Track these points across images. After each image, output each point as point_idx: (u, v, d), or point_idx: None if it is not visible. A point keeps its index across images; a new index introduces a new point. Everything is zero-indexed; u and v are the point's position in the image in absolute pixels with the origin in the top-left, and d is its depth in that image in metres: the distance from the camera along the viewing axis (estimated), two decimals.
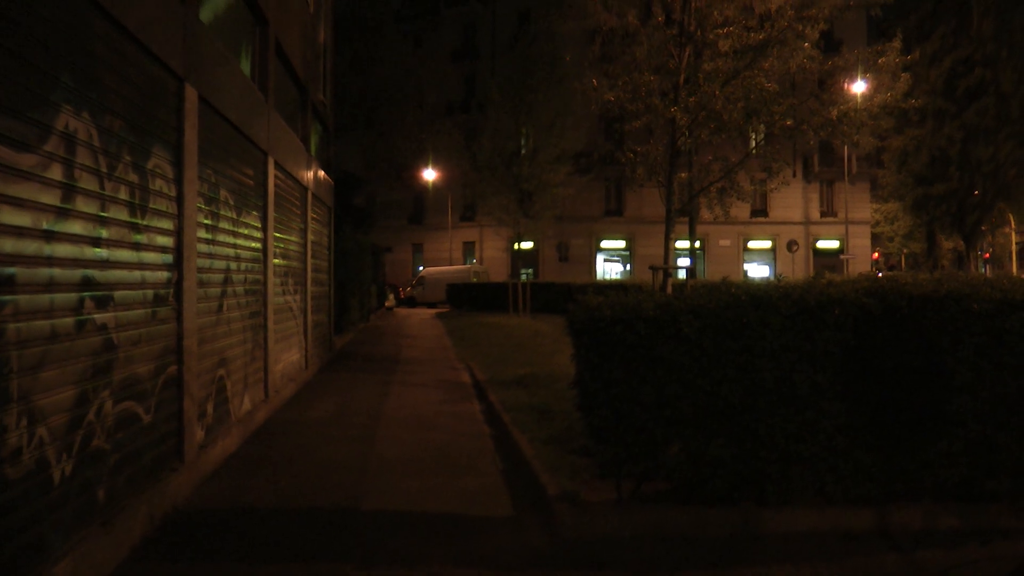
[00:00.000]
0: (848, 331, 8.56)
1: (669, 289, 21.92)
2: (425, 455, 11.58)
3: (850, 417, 8.52)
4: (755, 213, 67.77)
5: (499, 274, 63.32)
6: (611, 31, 23.49)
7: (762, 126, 23.36)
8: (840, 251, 66.31)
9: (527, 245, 59.64)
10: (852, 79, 25.25)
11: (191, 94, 9.83)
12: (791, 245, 57.59)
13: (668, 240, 23.98)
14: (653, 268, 22.27)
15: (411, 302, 64.27)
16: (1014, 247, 61.98)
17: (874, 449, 8.51)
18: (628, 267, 69.03)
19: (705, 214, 27.83)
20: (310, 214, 20.11)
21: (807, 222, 70.71)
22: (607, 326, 8.66)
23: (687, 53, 22.43)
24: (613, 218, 69.49)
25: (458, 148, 49.45)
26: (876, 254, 75.93)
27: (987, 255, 67.43)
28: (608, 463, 8.84)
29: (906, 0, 25.82)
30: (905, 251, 67.98)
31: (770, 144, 24.02)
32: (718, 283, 9.59)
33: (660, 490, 8.65)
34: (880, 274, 45.10)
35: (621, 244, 70.19)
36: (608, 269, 70.24)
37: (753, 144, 25.17)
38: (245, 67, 14.42)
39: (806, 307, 8.61)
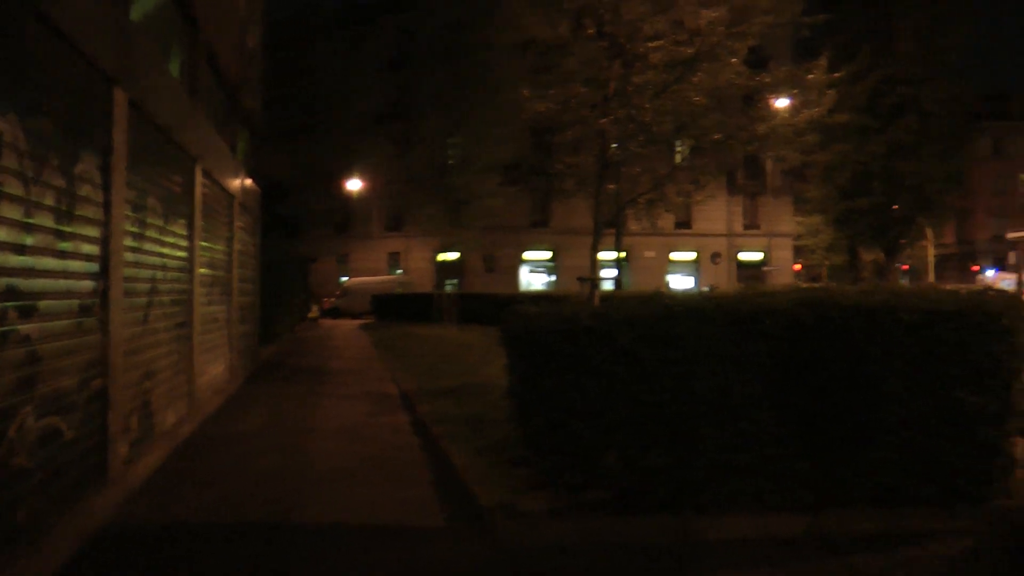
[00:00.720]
0: (781, 341, 8.64)
1: (597, 300, 21.95)
2: (356, 467, 11.42)
3: (785, 426, 8.60)
4: (679, 225, 68.33)
5: (425, 284, 63.03)
6: (543, 43, 23.49)
7: (691, 139, 23.54)
8: (763, 263, 67.23)
9: (453, 255, 59.51)
10: (780, 95, 25.56)
11: (121, 97, 9.59)
12: (715, 257, 58.29)
13: (596, 251, 24.06)
14: (581, 279, 22.30)
15: (335, 313, 63.61)
16: (931, 259, 63.23)
17: (809, 457, 8.60)
18: (553, 278, 69.20)
19: (633, 225, 28.00)
20: (237, 223, 19.83)
21: (730, 234, 71.52)
22: (543, 336, 8.68)
23: (618, 66, 22.51)
24: (539, 229, 69.70)
25: (388, 157, 49.24)
26: (798, 266, 76.92)
27: (906, 267, 68.67)
28: (544, 473, 8.85)
29: (832, 20, 26.11)
30: (827, 263, 68.95)
31: (699, 157, 24.22)
32: (652, 294, 9.61)
33: (598, 499, 8.61)
34: (803, 285, 45.72)
35: (547, 255, 70.43)
36: (533, 280, 70.40)
37: (679, 158, 25.36)
38: (174, 69, 14.17)
39: (740, 318, 8.69)
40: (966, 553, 7.99)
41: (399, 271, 71.50)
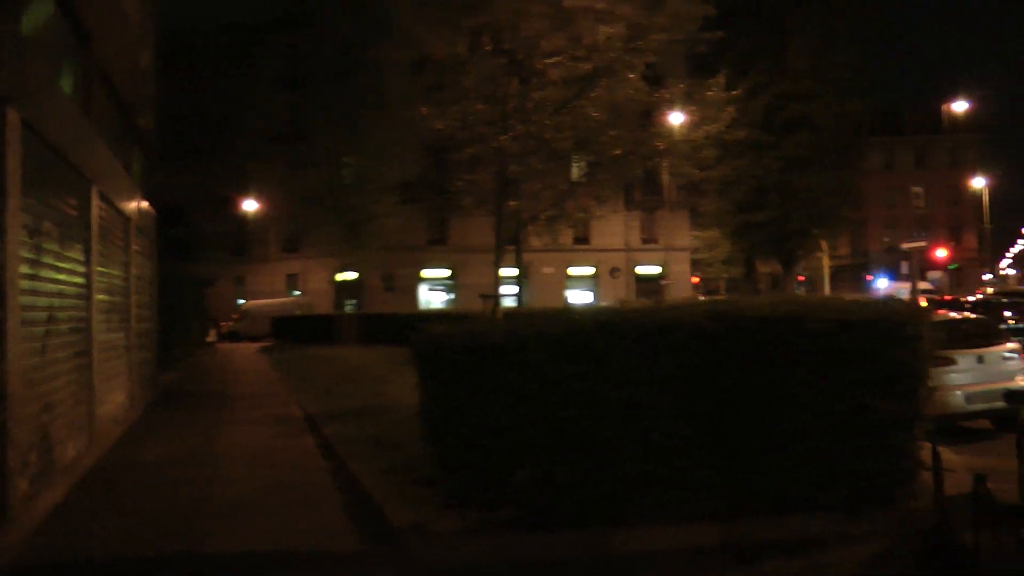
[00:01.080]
0: (691, 353, 8.70)
1: (500, 316, 21.95)
2: (266, 493, 11.22)
3: (698, 436, 8.66)
4: (578, 240, 68.62)
5: (324, 305, 62.39)
6: (440, 61, 23.46)
7: (591, 155, 23.69)
8: (661, 277, 67.95)
9: (352, 276, 59.11)
10: (678, 111, 25.88)
11: (14, 117, 9.28)
12: (613, 271, 58.74)
13: (498, 268, 24.09)
14: (484, 296, 22.31)
15: (234, 337, 62.58)
16: (827, 271, 64.56)
17: (720, 466, 8.68)
18: (452, 296, 69.07)
19: (535, 241, 28.04)
20: (134, 246, 19.41)
21: (628, 249, 72.19)
22: (454, 354, 8.67)
23: (516, 82, 22.57)
24: (437, 247, 69.48)
25: (284, 178, 48.68)
26: (696, 279, 77.93)
27: (802, 278, 69.99)
28: (457, 492, 8.81)
29: (727, 37, 26.55)
30: (724, 276, 70.00)
31: (599, 173, 24.37)
32: (560, 310, 9.67)
33: (511, 517, 8.56)
34: (701, 297, 46.23)
35: (445, 273, 70.23)
36: (432, 298, 70.17)
37: (576, 173, 25.50)
38: (67, 88, 13.82)
39: (649, 331, 8.74)
40: (876, 557, 8.13)
41: (297, 293, 70.76)
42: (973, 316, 19.17)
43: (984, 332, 16.54)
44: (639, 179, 43.02)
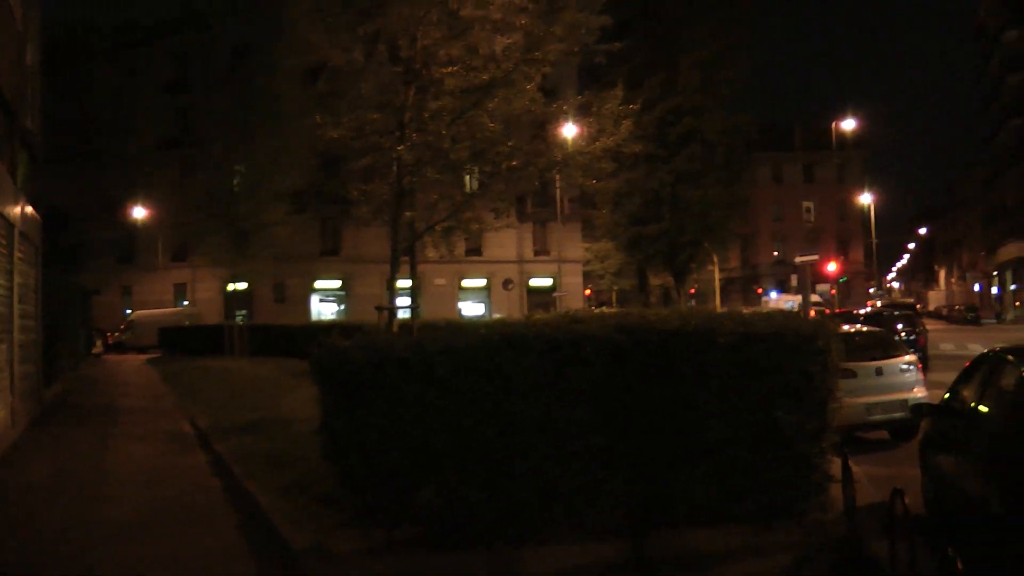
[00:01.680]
0: (601, 367, 8.68)
1: (395, 329, 21.65)
2: (157, 514, 10.80)
3: (608, 450, 8.63)
4: (470, 252, 68.48)
5: (214, 316, 61.15)
6: (335, 68, 23.02)
7: (488, 166, 23.47)
8: (553, 289, 68.12)
9: (242, 286, 58.13)
10: (575, 123, 25.86)
11: None
12: (506, 283, 58.70)
13: (394, 279, 23.76)
14: (379, 308, 22.02)
15: (121, 348, 60.96)
16: (717, 283, 65.52)
17: (632, 480, 8.65)
18: (343, 307, 68.43)
19: (430, 253, 27.74)
20: (17, 254, 18.65)
21: (521, 260, 72.38)
22: (357, 368, 8.49)
23: (412, 91, 22.25)
24: (329, 258, 68.84)
25: (173, 184, 47.67)
26: (588, 291, 78.46)
27: (693, 290, 70.93)
28: (359, 510, 8.67)
29: (622, 50, 26.65)
30: (616, 288, 70.62)
31: (497, 184, 24.17)
32: (467, 322, 9.55)
33: (416, 536, 8.43)
34: (595, 309, 46.51)
35: (337, 284, 69.61)
36: (323, 309, 69.44)
37: (468, 185, 25.30)
38: None
39: (558, 345, 8.69)
40: (785, 568, 8.10)
41: (186, 303, 69.27)
42: (868, 329, 19.50)
43: (882, 344, 16.83)
44: (533, 191, 43.11)
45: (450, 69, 22.09)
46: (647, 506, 8.65)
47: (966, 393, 9.03)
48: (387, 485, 8.41)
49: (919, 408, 9.58)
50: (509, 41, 22.19)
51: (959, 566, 6.90)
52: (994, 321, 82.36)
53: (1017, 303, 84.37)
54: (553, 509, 8.50)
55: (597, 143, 23.98)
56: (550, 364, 8.58)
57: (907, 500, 6.99)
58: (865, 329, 19.20)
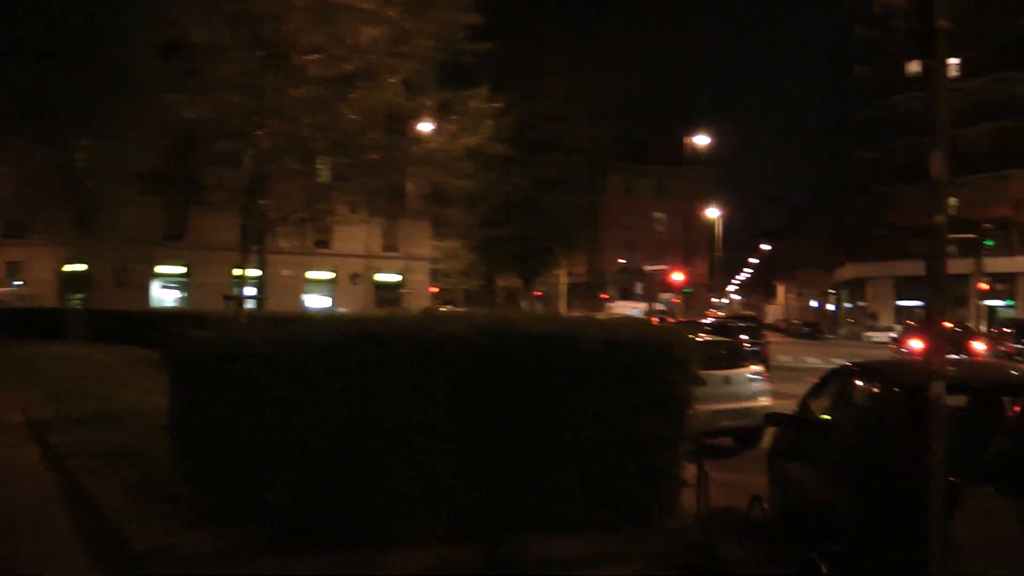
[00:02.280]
0: (464, 369, 8.60)
1: (244, 319, 21.00)
2: None
3: (468, 455, 8.58)
4: (318, 244, 67.51)
5: (49, 298, 58.79)
6: (196, 46, 22.19)
7: (349, 158, 23.02)
8: (400, 285, 67.85)
9: (81, 267, 56.04)
10: (437, 121, 25.56)
11: None
12: (354, 277, 58.17)
13: (244, 268, 23.07)
14: (227, 297, 21.42)
15: None
16: (564, 287, 66.14)
17: (493, 486, 8.59)
18: (186, 295, 66.72)
19: (283, 243, 27.07)
20: None
21: (369, 255, 71.73)
22: (213, 362, 8.16)
23: (275, 77, 21.61)
24: (174, 243, 66.87)
25: (8, 156, 45.42)
26: (435, 289, 78.28)
27: (539, 293, 71.40)
28: (209, 509, 8.37)
29: (490, 51, 26.46)
30: (463, 288, 70.69)
31: (357, 177, 23.74)
32: (325, 316, 9.32)
33: (268, 536, 8.14)
34: (442, 308, 46.33)
35: (181, 270, 67.80)
36: (165, 296, 67.56)
37: (330, 176, 24.81)
38: None
39: (421, 344, 8.58)
40: (641, 573, 8.15)
41: (19, 283, 66.44)
42: (717, 339, 19.87)
43: (730, 354, 17.17)
44: (385, 186, 42.63)
45: (314, 57, 21.55)
46: (505, 512, 8.57)
47: (818, 404, 9.13)
48: (241, 483, 8.14)
49: (772, 417, 9.68)
50: (376, 33, 21.80)
51: (823, 569, 7.13)
52: (829, 336, 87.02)
53: (850, 320, 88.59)
54: (412, 513, 8.37)
55: (459, 141, 23.78)
56: (412, 363, 8.45)
57: (764, 506, 7.12)
58: (714, 339, 19.50)
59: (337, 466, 8.25)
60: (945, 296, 5.78)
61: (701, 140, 70.62)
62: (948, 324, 33.79)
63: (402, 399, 8.40)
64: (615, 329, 9.43)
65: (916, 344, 31.31)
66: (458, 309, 38.58)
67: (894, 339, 39.51)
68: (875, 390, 7.86)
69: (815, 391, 9.39)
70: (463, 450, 8.54)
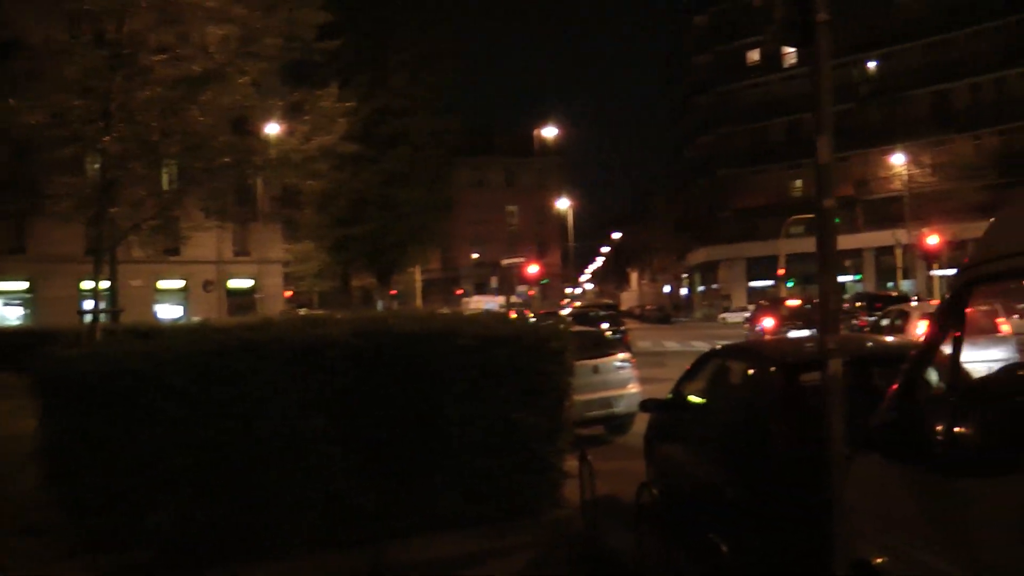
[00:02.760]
0: (343, 373, 8.50)
1: (98, 334, 20.24)
2: None
3: (352, 459, 8.47)
4: (167, 252, 65.63)
5: None
6: (35, 47, 21.24)
7: (200, 163, 22.38)
8: (254, 290, 66.57)
9: None
10: (288, 121, 25.10)
11: None
12: (206, 285, 56.91)
13: (97, 280, 22.29)
14: (81, 312, 20.63)
15: None
16: (419, 284, 65.97)
17: (376, 489, 8.50)
18: (30, 311, 64.07)
19: (135, 251, 26.26)
20: None
21: (220, 261, 70.03)
22: (86, 380, 7.87)
23: (120, 78, 20.84)
24: (14, 256, 64.03)
25: None
26: (289, 292, 77.18)
27: (394, 292, 71.04)
28: (85, 539, 7.92)
29: (337, 48, 26.09)
30: (317, 290, 69.85)
31: (210, 181, 23.12)
32: (198, 326, 9.06)
33: (148, 559, 7.85)
34: (301, 311, 45.61)
35: (23, 286, 65.02)
36: (8, 314, 64.75)
37: (178, 181, 24.13)
38: None
39: (299, 351, 8.44)
40: (528, 566, 8.17)
41: None
42: (582, 328, 19.95)
43: (597, 343, 17.22)
44: (237, 189, 41.77)
45: (161, 57, 20.92)
46: (392, 514, 8.52)
47: (692, 387, 9.19)
48: (119, 506, 7.77)
49: (647, 403, 9.73)
50: (224, 32, 21.29)
51: (723, 549, 7.19)
52: (684, 319, 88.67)
53: (705, 302, 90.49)
54: (299, 521, 8.22)
55: (313, 141, 23.42)
56: (291, 371, 8.30)
57: (653, 492, 7.17)
58: (580, 329, 19.53)
59: (220, 480, 8.00)
60: (835, 276, 5.87)
61: (549, 132, 70.88)
62: (797, 301, 34.85)
63: (283, 407, 8.21)
64: (492, 325, 9.45)
65: (768, 322, 31.90)
66: (315, 312, 37.96)
67: (747, 319, 40.44)
68: (750, 371, 7.94)
69: (689, 375, 9.44)
70: (348, 455, 8.40)
